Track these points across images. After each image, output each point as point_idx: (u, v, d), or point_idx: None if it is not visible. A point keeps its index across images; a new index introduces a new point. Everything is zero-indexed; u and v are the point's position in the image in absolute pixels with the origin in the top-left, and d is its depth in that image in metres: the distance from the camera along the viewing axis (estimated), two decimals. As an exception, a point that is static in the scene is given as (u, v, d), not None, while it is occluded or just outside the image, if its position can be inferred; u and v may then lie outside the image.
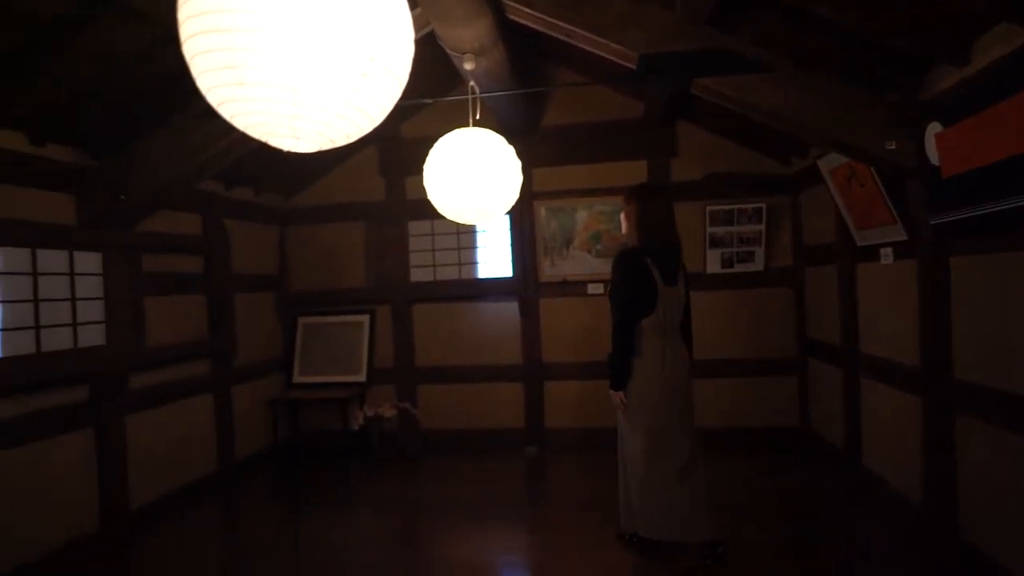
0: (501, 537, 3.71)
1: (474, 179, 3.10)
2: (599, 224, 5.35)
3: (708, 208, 5.16)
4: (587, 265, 5.39)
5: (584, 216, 5.36)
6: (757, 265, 5.17)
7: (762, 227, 5.12)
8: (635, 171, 5.32)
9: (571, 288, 5.44)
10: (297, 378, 5.62)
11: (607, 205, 5.32)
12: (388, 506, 4.43)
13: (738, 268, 5.20)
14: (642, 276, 3.10)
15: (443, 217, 4.99)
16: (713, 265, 5.22)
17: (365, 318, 5.68)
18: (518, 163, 3.28)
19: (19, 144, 3.25)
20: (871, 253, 3.87)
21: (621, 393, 3.16)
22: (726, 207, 5.14)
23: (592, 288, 5.41)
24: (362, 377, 5.56)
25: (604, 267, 5.31)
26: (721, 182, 5.20)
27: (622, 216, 3.32)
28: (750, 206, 5.10)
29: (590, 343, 5.41)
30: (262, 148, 3.95)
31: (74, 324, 3.39)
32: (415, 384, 5.64)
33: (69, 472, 3.50)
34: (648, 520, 3.14)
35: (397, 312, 5.63)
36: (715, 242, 5.19)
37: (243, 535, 4.03)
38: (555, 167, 5.42)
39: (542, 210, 5.40)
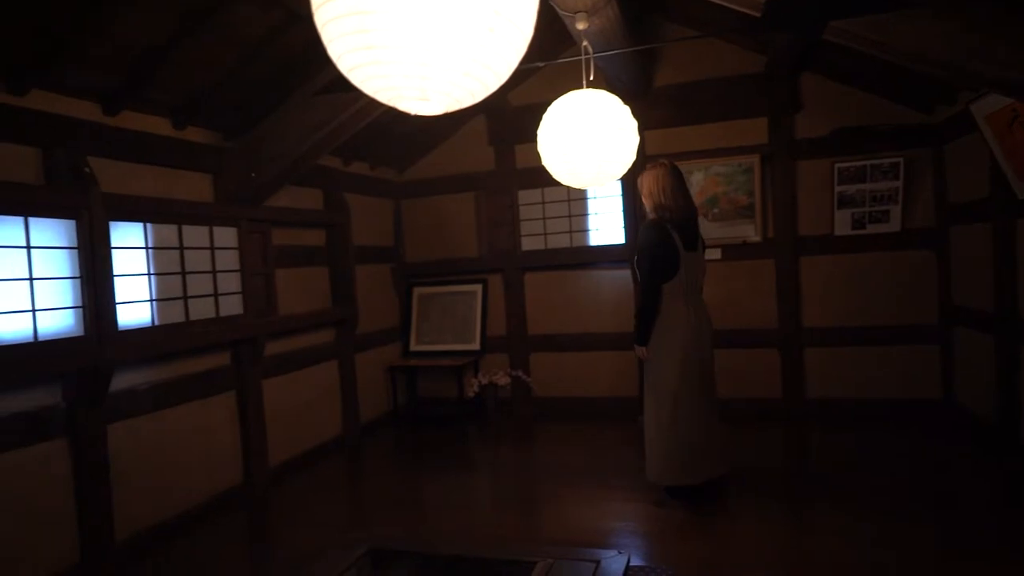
0: (613, 504, 3.68)
1: (591, 141, 3.02)
2: (716, 187, 5.12)
3: (836, 165, 4.79)
4: (703, 230, 5.14)
5: (701, 179, 5.14)
6: (892, 225, 4.77)
7: (899, 183, 4.70)
8: (755, 129, 5.04)
9: (686, 254, 5.25)
10: (414, 346, 5.81)
11: (725, 167, 5.07)
12: (504, 469, 4.52)
13: (870, 229, 4.82)
14: (665, 242, 3.40)
15: (554, 185, 5.06)
16: (842, 226, 4.87)
17: (478, 287, 5.76)
18: (634, 123, 3.16)
19: (164, 128, 3.50)
20: (1034, 208, 3.46)
21: (645, 348, 3.48)
22: (857, 163, 4.75)
23: (710, 254, 5.14)
24: (476, 345, 5.66)
25: (721, 231, 5.11)
26: (852, 136, 4.82)
27: (640, 187, 3.60)
28: (886, 161, 4.69)
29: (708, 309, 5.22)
30: (377, 122, 4.09)
31: (215, 295, 3.64)
32: (527, 352, 5.68)
33: (217, 431, 3.80)
34: (666, 468, 3.43)
35: (509, 281, 5.67)
36: (844, 201, 4.83)
37: (369, 492, 4.24)
38: (668, 129, 5.22)
39: (655, 174, 5.22)
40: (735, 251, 5.14)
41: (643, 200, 3.56)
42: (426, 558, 2.26)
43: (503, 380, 5.51)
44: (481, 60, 1.40)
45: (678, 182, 3.50)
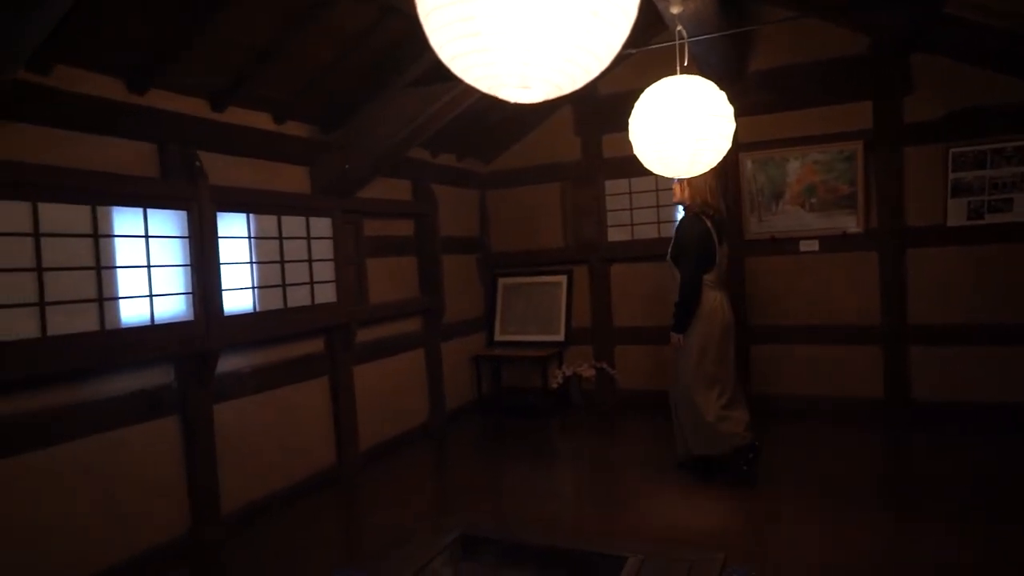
0: (702, 501, 3.59)
1: (685, 129, 2.93)
2: (814, 175, 4.87)
3: (951, 151, 4.46)
4: (799, 220, 4.94)
5: (796, 167, 4.90)
6: (1016, 215, 4.39)
7: (1024, 170, 4.33)
8: (858, 114, 4.75)
9: (780, 246, 5.03)
10: (498, 336, 5.85)
11: (824, 154, 4.81)
12: (587, 461, 4.50)
13: (989, 219, 4.46)
14: (706, 235, 3.68)
15: (642, 174, 4.96)
16: (956, 216, 4.52)
17: (563, 278, 5.74)
18: (731, 110, 3.05)
19: (266, 123, 3.65)
20: None
21: (681, 336, 3.71)
22: (977, 148, 4.40)
23: (805, 245, 4.97)
24: (560, 336, 5.64)
25: (819, 222, 4.87)
26: (968, 119, 4.46)
27: (675, 184, 3.80)
28: (1009, 145, 4.33)
29: (801, 304, 5.01)
30: (465, 114, 4.12)
31: (311, 283, 3.78)
32: (612, 344, 5.61)
33: (312, 414, 3.95)
34: (703, 440, 3.68)
35: (594, 272, 5.62)
36: (960, 189, 4.49)
37: (454, 479, 4.31)
38: (763, 115, 5.00)
39: (748, 163, 5.02)
40: (834, 243, 4.88)
41: (683, 194, 3.75)
42: (516, 547, 2.27)
43: (587, 372, 5.47)
44: (584, 45, 1.37)
45: (719, 184, 3.89)
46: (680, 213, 4.01)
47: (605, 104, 5.34)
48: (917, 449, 4.31)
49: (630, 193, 5.43)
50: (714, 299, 3.70)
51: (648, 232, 5.43)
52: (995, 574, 2.65)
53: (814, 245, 4.95)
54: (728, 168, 5.05)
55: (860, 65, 4.70)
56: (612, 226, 5.53)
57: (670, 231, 5.37)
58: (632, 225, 5.46)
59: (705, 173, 3.59)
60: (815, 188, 4.88)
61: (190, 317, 3.03)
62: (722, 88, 3.17)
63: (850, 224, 4.81)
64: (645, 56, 4.89)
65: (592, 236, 5.58)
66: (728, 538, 3.12)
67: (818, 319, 5.00)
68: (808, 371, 5.03)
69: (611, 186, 5.49)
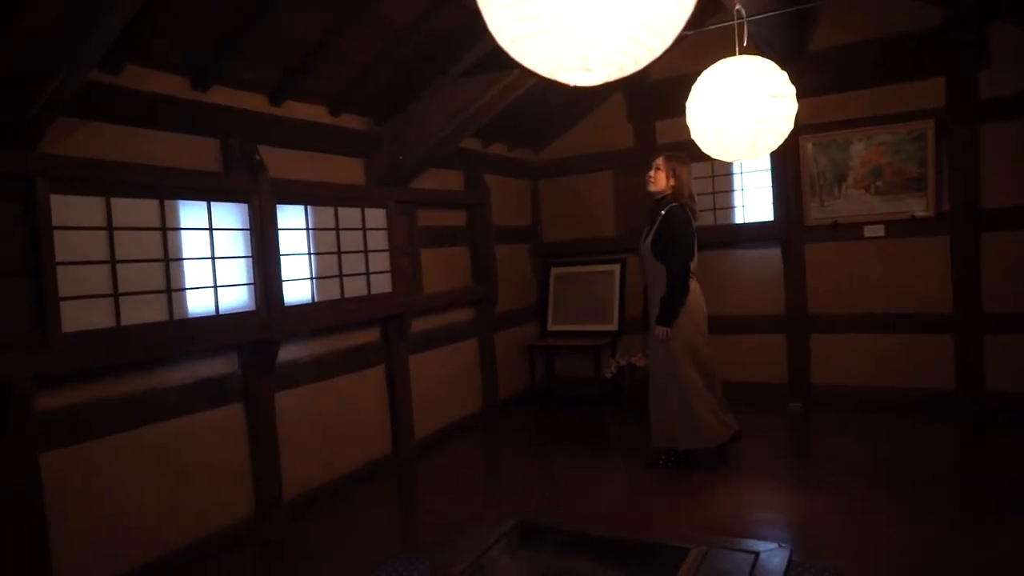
0: (758, 492, 3.51)
1: (745, 112, 2.84)
2: (880, 157, 4.66)
3: (1032, 127, 4.21)
4: (864, 205, 4.75)
5: (861, 149, 4.71)
6: (1104, 195, 4.13)
7: (1114, 146, 4.05)
8: (929, 91, 4.53)
9: (843, 231, 4.85)
10: (551, 326, 5.83)
11: (891, 135, 4.61)
12: (640, 452, 4.44)
13: (1074, 200, 4.20)
14: (691, 225, 3.72)
15: (697, 160, 4.83)
16: (1037, 198, 4.28)
17: (615, 267, 5.67)
18: (792, 90, 2.94)
19: (322, 116, 3.71)
20: None
21: (668, 329, 3.66)
22: (1060, 124, 4.15)
23: (870, 231, 4.77)
24: (613, 326, 5.58)
25: (885, 206, 4.68)
26: (1052, 93, 4.20)
27: (658, 172, 3.75)
28: (1096, 120, 4.06)
29: (866, 292, 4.82)
30: (516, 104, 4.10)
31: (367, 273, 3.83)
32: (666, 334, 5.52)
33: (369, 403, 4.02)
34: (699, 435, 3.70)
35: (647, 261, 5.53)
36: (1041, 169, 4.24)
37: (507, 467, 4.33)
38: (824, 96, 4.81)
39: (809, 145, 4.85)
40: (901, 227, 4.67)
41: (667, 183, 3.73)
42: (574, 535, 2.25)
43: (641, 362, 5.38)
44: (647, 22, 1.33)
45: None
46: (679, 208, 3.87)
47: (658, 89, 5.24)
48: (989, 442, 4.10)
49: (685, 179, 5.31)
50: (696, 289, 3.79)
51: (703, 219, 5.26)
52: None
53: (880, 230, 4.75)
54: (787, 151, 4.90)
55: (931, 39, 4.47)
56: (666, 213, 5.41)
57: (728, 217, 5.26)
58: (687, 212, 5.34)
59: (686, 165, 3.80)
60: (881, 170, 4.68)
61: (252, 307, 3.11)
62: (782, 68, 3.07)
63: (919, 207, 4.60)
64: (699, 39, 4.75)
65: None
66: (794, 531, 3.04)
67: (883, 307, 4.80)
68: (873, 361, 4.84)
69: (665, 173, 5.37)
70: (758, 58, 2.94)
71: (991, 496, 3.28)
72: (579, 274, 5.80)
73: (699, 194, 5.26)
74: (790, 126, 2.99)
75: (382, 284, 3.95)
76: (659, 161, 3.76)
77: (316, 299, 3.51)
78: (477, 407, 5.07)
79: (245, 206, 3.10)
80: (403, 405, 4.19)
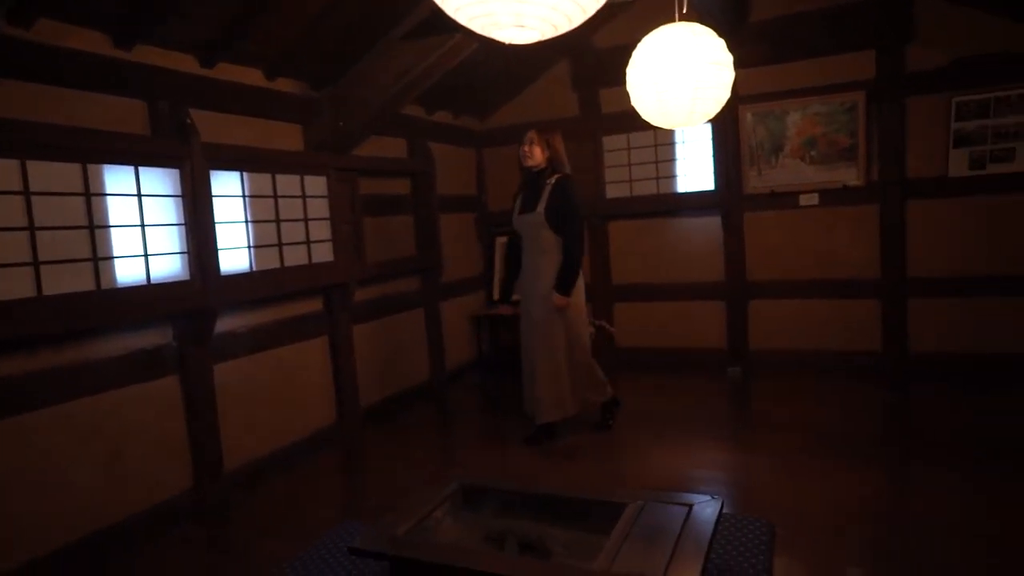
0: (697, 454, 3.64)
1: (684, 78, 2.87)
2: (815, 128, 4.80)
3: (954, 100, 4.39)
4: (799, 174, 4.89)
5: (797, 119, 4.83)
6: (1017, 164, 4.35)
7: (1028, 118, 4.26)
8: (860, 64, 4.67)
9: (780, 200, 4.99)
10: (497, 296, 5.83)
11: (825, 106, 4.74)
12: (585, 418, 4.53)
13: (991, 169, 4.41)
14: None
15: (641, 129, 4.91)
16: (958, 167, 4.48)
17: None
18: (730, 58, 2.98)
19: (257, 79, 3.58)
20: None
21: (569, 299, 3.68)
22: (980, 96, 4.34)
23: (805, 199, 4.93)
24: (558, 295, 5.63)
25: (820, 175, 4.83)
26: (973, 67, 4.37)
27: (534, 146, 3.71)
28: (1014, 92, 4.26)
29: (801, 258, 5.00)
30: (460, 70, 4.04)
31: (307, 242, 3.75)
32: (611, 302, 5.62)
33: (312, 373, 3.97)
34: (556, 404, 3.76)
35: (592, 229, 5.58)
36: (962, 140, 4.43)
37: (456, 435, 4.36)
38: (763, 67, 4.91)
39: (748, 115, 4.95)
40: (834, 196, 4.84)
41: (543, 156, 3.71)
42: (514, 496, 2.29)
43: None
44: (580, -19, 1.33)
45: None
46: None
47: (602, 57, 5.24)
48: (913, 401, 4.34)
49: (628, 149, 5.37)
50: None
51: (647, 188, 5.38)
52: (995, 518, 2.69)
53: (814, 199, 4.91)
54: (727, 121, 5.00)
55: (863, 13, 4.59)
56: (610, 182, 5.47)
57: (670, 187, 5.34)
58: (631, 181, 5.41)
59: (559, 137, 3.79)
60: (816, 141, 4.82)
61: (186, 276, 3.01)
62: (721, 39, 3.11)
63: (850, 177, 4.77)
64: (643, 8, 4.79)
65: (590, 193, 5.52)
66: (729, 488, 3.17)
67: (818, 273, 4.99)
68: (807, 325, 5.04)
69: (609, 142, 5.42)
70: (696, 25, 2.96)
71: (915, 452, 3.49)
72: (525, 243, 5.80)
73: (642, 163, 5.38)
74: (727, 93, 3.03)
75: (323, 253, 3.88)
76: (532, 135, 3.73)
77: (254, 268, 3.42)
78: (425, 376, 5.07)
79: (176, 172, 2.98)
80: (347, 375, 4.16)
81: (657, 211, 5.38)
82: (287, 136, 3.81)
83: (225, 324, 3.34)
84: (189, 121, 3.02)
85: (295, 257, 3.69)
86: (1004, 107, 4.30)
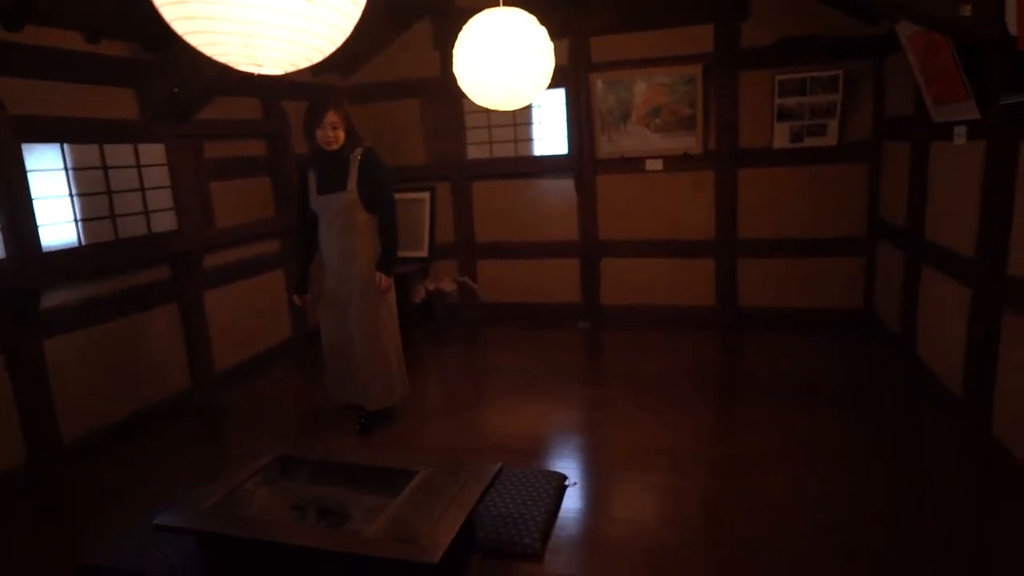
0: (553, 401, 3.99)
1: (502, 64, 3.03)
2: (660, 97, 5.09)
3: (777, 77, 4.78)
4: (645, 141, 5.20)
5: (643, 89, 5.10)
6: (829, 139, 4.83)
7: (838, 97, 4.71)
8: (700, 37, 4.96)
9: (629, 165, 5.31)
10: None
11: (668, 76, 5.02)
12: (451, 371, 4.81)
13: (808, 142, 4.88)
14: None
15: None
16: (780, 139, 4.92)
17: (426, 195, 5.83)
18: (551, 46, 3.16)
19: (76, 43, 3.42)
20: (945, 131, 3.54)
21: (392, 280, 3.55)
22: (798, 76, 4.74)
23: (650, 164, 5.26)
24: (424, 252, 5.80)
25: (663, 143, 5.15)
26: (796, 47, 4.75)
27: (338, 130, 3.33)
28: (826, 74, 4.68)
29: (647, 220, 5.37)
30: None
31: (146, 212, 3.71)
32: (475, 259, 5.84)
33: (161, 340, 3.99)
34: (386, 390, 3.61)
35: (456, 189, 5.74)
36: (784, 114, 4.86)
37: (317, 395, 4.51)
38: (614, 35, 5.12)
39: (599, 83, 5.17)
40: (676, 163, 5.20)
41: (344, 133, 3.35)
42: (326, 465, 2.51)
43: (449, 286, 5.70)
44: (307, 28, 1.45)
45: None
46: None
47: (464, 17, 5.21)
48: (744, 348, 4.87)
49: (488, 111, 5.48)
50: None
51: (506, 150, 5.56)
52: (801, 449, 3.17)
53: (659, 164, 5.25)
54: (581, 88, 5.21)
55: (705, -12, 4.85)
56: (472, 143, 5.61)
57: (527, 150, 5.54)
58: (491, 143, 5.57)
59: (347, 102, 3.46)
60: (660, 109, 5.12)
61: (1, 256, 2.96)
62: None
63: (691, 145, 5.12)
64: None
65: (453, 153, 5.65)
66: (570, 436, 3.55)
67: (662, 234, 5.38)
68: (652, 282, 5.47)
69: (469, 104, 5.50)
70: (519, 11, 3.11)
71: (742, 395, 4.01)
72: (390, 202, 5.89)
73: (501, 126, 5.53)
74: (547, 80, 3.21)
75: (166, 222, 3.85)
76: (333, 119, 3.29)
77: (84, 242, 3.38)
78: (287, 335, 5.15)
79: (-18, 147, 2.88)
80: (200, 340, 4.19)
81: (516, 172, 5.58)
82: (119, 102, 3.68)
83: (56, 299, 3.30)
84: (-7, 93, 2.90)
85: (133, 228, 3.65)
86: (818, 86, 4.72)
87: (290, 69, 1.57)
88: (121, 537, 2.60)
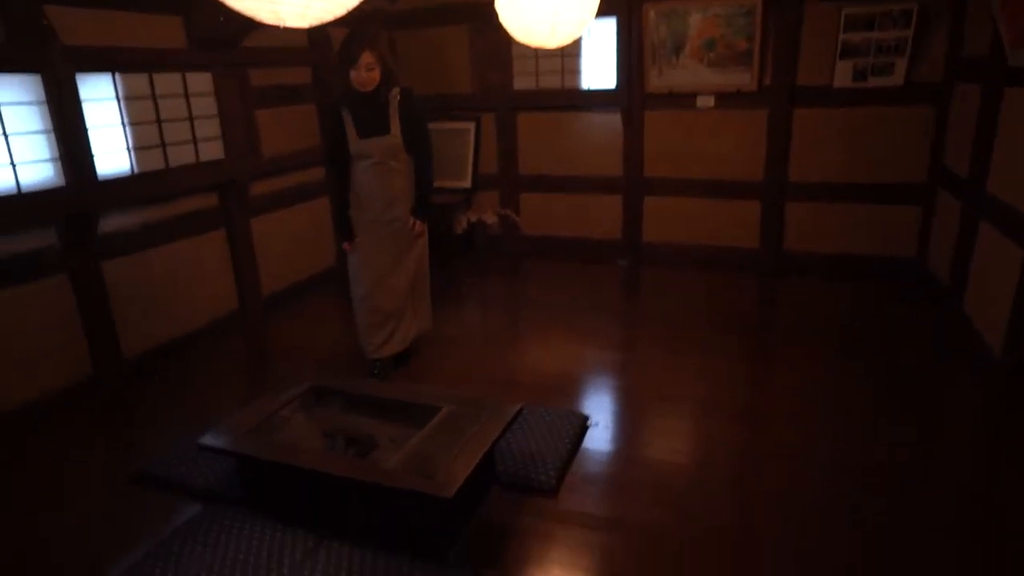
0: (584, 341, 4.05)
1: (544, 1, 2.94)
2: (715, 29, 4.85)
3: (844, 11, 4.48)
4: (698, 76, 5.00)
5: (698, 20, 4.86)
6: (896, 79, 4.54)
7: (909, 33, 4.40)
8: (763, -36, 4.65)
9: (678, 100, 5.13)
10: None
11: (725, 7, 4.76)
12: (489, 303, 4.92)
13: (872, 82, 4.60)
14: None
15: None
16: (843, 78, 4.66)
17: (471, 125, 5.78)
18: (596, -22, 3.03)
19: (123, -31, 3.46)
20: (1021, 77, 3.29)
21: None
22: (866, 9, 4.43)
23: (701, 101, 5.08)
24: (467, 183, 5.80)
25: (716, 78, 4.95)
26: (867, -24, 4.43)
27: (374, 72, 3.13)
28: (896, 7, 4.36)
29: (694, 159, 5.23)
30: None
31: (194, 141, 3.81)
32: (517, 192, 5.83)
33: (210, 264, 4.18)
34: (427, 318, 3.74)
35: (501, 120, 5.67)
36: (848, 51, 4.58)
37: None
38: (670, -39, 4.85)
39: (652, 13, 4.95)
40: (729, 100, 5.00)
41: (381, 74, 3.16)
42: (356, 396, 2.65)
43: (491, 218, 5.73)
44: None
45: None
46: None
47: (513, -60, 5.05)
48: (783, 293, 4.81)
49: (536, 40, 5.32)
50: None
51: (553, 81, 5.43)
52: (844, 398, 3.20)
53: (710, 101, 5.06)
54: (632, 19, 5.00)
55: (772, -92, 4.51)
56: (518, 74, 5.49)
57: (575, 82, 5.40)
58: (538, 74, 5.44)
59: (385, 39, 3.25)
60: (715, 42, 4.89)
61: (61, 183, 3.12)
62: None
63: (746, 81, 4.90)
64: None
65: (499, 83, 5.55)
66: (598, 376, 3.63)
67: (708, 173, 5.25)
68: (695, 221, 5.37)
69: (517, 32, 5.36)
70: (565, -61, 2.98)
71: (777, 341, 4.03)
72: (435, 131, 5.77)
73: (548, 56, 5.39)
74: (592, 16, 3.11)
75: (213, 151, 3.95)
76: (369, 60, 3.10)
77: (136, 171, 3.52)
78: (331, 262, 5.31)
79: (38, 77, 2.98)
80: (247, 265, 4.37)
81: (562, 105, 5.47)
82: (166, 30, 3.73)
83: (112, 224, 3.48)
84: (45, 22, 2.98)
85: (182, 156, 3.77)
86: (888, 21, 4.41)
87: (314, 23, 1.58)
88: (171, 449, 2.83)
